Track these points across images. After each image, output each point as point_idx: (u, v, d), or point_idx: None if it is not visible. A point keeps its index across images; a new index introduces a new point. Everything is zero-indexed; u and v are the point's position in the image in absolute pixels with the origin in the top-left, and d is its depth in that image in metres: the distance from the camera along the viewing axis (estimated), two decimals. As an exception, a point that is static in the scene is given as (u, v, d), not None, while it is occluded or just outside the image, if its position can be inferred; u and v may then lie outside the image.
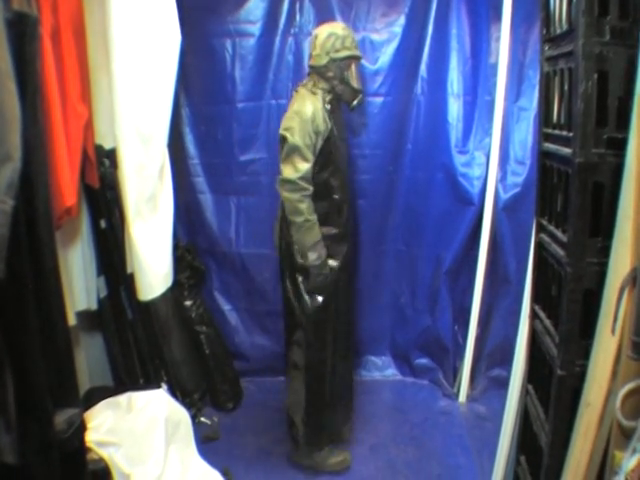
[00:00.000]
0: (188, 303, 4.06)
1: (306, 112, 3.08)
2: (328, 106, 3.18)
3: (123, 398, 2.96)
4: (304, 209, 3.08)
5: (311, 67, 3.24)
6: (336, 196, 3.24)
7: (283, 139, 3.10)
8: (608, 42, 1.64)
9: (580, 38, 1.65)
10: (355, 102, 3.30)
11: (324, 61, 3.17)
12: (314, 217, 3.12)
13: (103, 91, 3.07)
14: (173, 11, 3.16)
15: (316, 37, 3.22)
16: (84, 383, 3.22)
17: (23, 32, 1.73)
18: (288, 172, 3.07)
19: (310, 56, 3.24)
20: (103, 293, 3.53)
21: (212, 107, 4.11)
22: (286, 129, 3.08)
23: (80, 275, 3.28)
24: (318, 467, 3.47)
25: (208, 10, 3.91)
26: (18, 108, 1.60)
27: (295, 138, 3.05)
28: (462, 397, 4.21)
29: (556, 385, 1.85)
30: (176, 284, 3.72)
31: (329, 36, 3.18)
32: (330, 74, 3.19)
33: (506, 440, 2.74)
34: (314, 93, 3.17)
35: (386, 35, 3.94)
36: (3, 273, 1.55)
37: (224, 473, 3.15)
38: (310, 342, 3.31)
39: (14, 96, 1.59)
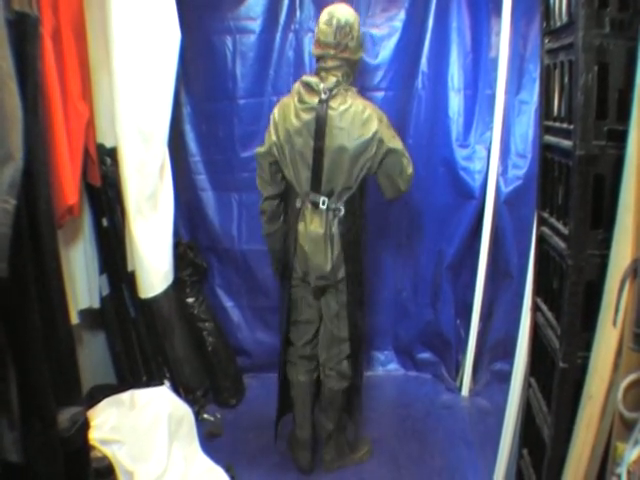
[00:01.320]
0: (190, 300, 4.06)
1: (383, 115, 3.02)
2: None
3: (126, 396, 2.97)
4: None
5: (346, 60, 2.98)
6: None
7: (395, 151, 2.98)
8: (608, 34, 1.64)
9: (580, 30, 1.65)
10: None
11: (358, 55, 3.03)
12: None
13: (104, 90, 3.07)
14: (173, 9, 3.16)
15: (351, 27, 2.94)
16: (87, 381, 3.21)
17: (24, 32, 1.74)
18: (405, 183, 3.07)
19: (343, 46, 2.94)
20: (105, 291, 3.52)
21: (213, 104, 4.10)
22: (389, 140, 2.96)
23: (82, 273, 3.28)
24: (355, 463, 3.50)
25: (208, 7, 3.90)
26: (20, 108, 1.60)
27: (397, 142, 3.01)
28: (465, 391, 4.22)
29: (558, 378, 1.85)
30: (178, 281, 3.72)
31: (359, 26, 3.01)
32: (355, 69, 3.09)
33: (509, 433, 2.75)
34: (359, 94, 3.06)
35: (386, 30, 3.93)
36: (6, 272, 1.56)
37: (227, 469, 3.15)
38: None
39: (16, 96, 1.59)
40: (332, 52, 2.95)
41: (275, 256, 3.38)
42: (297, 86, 3.05)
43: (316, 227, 3.06)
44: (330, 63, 2.97)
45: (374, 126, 2.94)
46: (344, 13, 2.97)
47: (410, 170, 3.05)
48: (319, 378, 3.42)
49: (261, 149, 3.13)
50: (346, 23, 2.94)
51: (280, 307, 3.45)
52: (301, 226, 3.09)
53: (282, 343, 3.42)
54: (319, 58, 3.01)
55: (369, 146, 2.94)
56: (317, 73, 3.03)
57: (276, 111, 3.10)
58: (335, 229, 3.05)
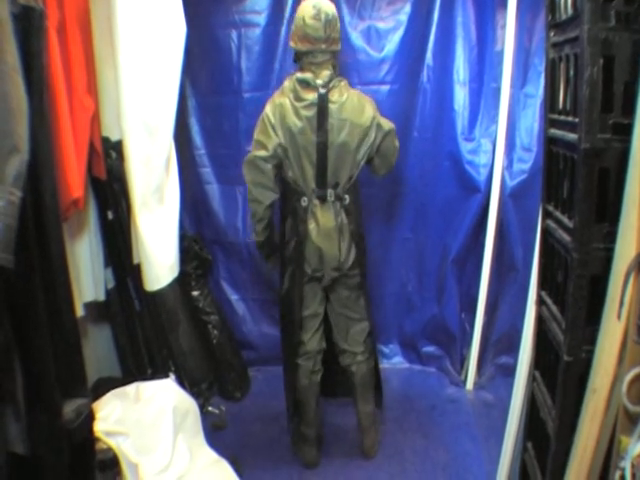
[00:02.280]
0: (195, 293, 4.07)
1: (371, 99, 3.13)
2: None
3: (131, 388, 2.98)
4: None
5: (333, 52, 3.04)
6: None
7: (390, 132, 3.11)
8: (613, 27, 1.63)
9: (585, 23, 1.64)
10: None
11: (340, 46, 3.07)
12: None
13: (109, 83, 3.07)
14: (178, 2, 3.16)
15: (336, 19, 2.98)
16: (92, 374, 3.23)
17: (29, 26, 1.75)
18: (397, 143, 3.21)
19: (332, 39, 2.98)
20: (111, 284, 3.54)
21: (218, 98, 4.12)
22: (384, 123, 3.09)
23: (87, 266, 3.30)
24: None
25: (213, 1, 3.92)
26: (25, 101, 1.61)
27: (389, 123, 3.13)
28: (469, 385, 4.22)
29: (563, 371, 1.85)
30: (183, 274, 3.73)
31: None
32: (338, 59, 3.12)
33: (513, 427, 2.74)
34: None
35: (392, 23, 3.94)
36: (12, 263, 1.56)
37: (232, 462, 3.15)
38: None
39: (21, 89, 1.60)
40: (323, 46, 2.97)
41: (266, 249, 3.42)
42: (290, 84, 3.04)
43: (328, 221, 3.10)
44: (320, 58, 3.00)
45: (371, 112, 3.04)
46: (329, 6, 3.00)
47: (397, 144, 3.21)
48: (326, 371, 3.45)
49: (263, 153, 3.04)
50: (333, 16, 2.98)
51: (284, 308, 3.41)
52: (311, 224, 3.10)
53: (286, 345, 3.43)
54: (306, 53, 3.00)
55: (369, 132, 3.04)
56: (305, 68, 3.04)
57: (269, 112, 3.05)
58: (344, 218, 3.11)
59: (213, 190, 4.25)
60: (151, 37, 3.04)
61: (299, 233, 3.12)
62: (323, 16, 2.92)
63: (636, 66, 1.58)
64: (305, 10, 2.97)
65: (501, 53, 3.77)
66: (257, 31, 3.96)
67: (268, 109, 3.06)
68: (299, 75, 3.01)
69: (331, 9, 2.97)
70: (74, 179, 2.74)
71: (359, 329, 3.35)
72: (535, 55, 3.80)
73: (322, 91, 2.97)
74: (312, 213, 3.10)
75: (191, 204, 4.24)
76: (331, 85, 2.99)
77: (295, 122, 2.99)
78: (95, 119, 3.01)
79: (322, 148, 3.01)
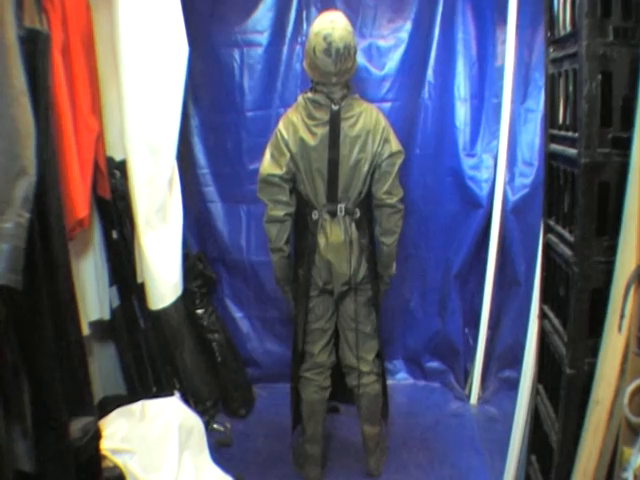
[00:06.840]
0: (200, 311, 4.08)
1: (385, 117, 3.13)
2: None
3: (136, 406, 2.98)
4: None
5: (347, 79, 3.00)
6: None
7: (399, 154, 3.08)
8: (611, 43, 1.65)
9: (584, 39, 1.66)
10: None
11: (356, 66, 3.03)
12: None
13: (113, 103, 3.09)
14: (181, 22, 3.19)
15: (350, 47, 2.85)
16: (97, 392, 3.23)
17: (35, 49, 1.77)
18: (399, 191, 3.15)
19: (344, 71, 2.91)
20: (115, 303, 3.54)
21: (221, 117, 4.14)
22: (393, 142, 3.07)
23: (93, 285, 3.30)
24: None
25: (216, 20, 3.94)
26: (33, 124, 1.63)
27: (399, 145, 3.11)
28: (473, 399, 4.21)
29: (565, 384, 1.86)
30: (187, 293, 3.73)
31: (354, 37, 2.93)
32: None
33: (517, 440, 2.75)
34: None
35: (393, 41, 3.96)
36: (20, 284, 1.58)
37: (238, 479, 3.16)
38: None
39: (28, 112, 1.62)
40: (334, 79, 2.93)
41: (283, 283, 3.36)
42: (302, 102, 3.04)
43: (337, 236, 3.10)
44: (332, 86, 2.97)
45: (382, 124, 3.04)
46: (342, 36, 2.83)
47: (400, 208, 3.17)
48: (335, 387, 3.43)
49: (277, 172, 3.03)
50: (345, 47, 2.84)
51: (294, 320, 3.39)
52: (321, 238, 3.10)
53: (295, 359, 3.40)
54: (317, 81, 3.00)
55: (379, 147, 3.02)
56: (317, 90, 3.02)
57: (282, 127, 3.05)
58: (354, 233, 3.11)
59: (217, 208, 4.26)
60: (154, 57, 3.06)
61: (309, 245, 3.13)
62: (334, 52, 2.82)
63: (634, 80, 1.59)
64: (316, 41, 2.85)
65: (502, 69, 3.80)
66: (259, 50, 3.99)
67: (281, 125, 3.07)
68: (310, 96, 3.01)
69: (344, 39, 2.82)
70: (79, 199, 2.76)
71: (368, 347, 3.32)
72: (535, 70, 3.82)
73: (334, 108, 2.96)
74: (322, 227, 3.10)
75: (195, 223, 4.26)
76: (344, 103, 2.98)
77: (308, 139, 2.99)
78: (100, 139, 3.02)
79: (334, 164, 3.00)
